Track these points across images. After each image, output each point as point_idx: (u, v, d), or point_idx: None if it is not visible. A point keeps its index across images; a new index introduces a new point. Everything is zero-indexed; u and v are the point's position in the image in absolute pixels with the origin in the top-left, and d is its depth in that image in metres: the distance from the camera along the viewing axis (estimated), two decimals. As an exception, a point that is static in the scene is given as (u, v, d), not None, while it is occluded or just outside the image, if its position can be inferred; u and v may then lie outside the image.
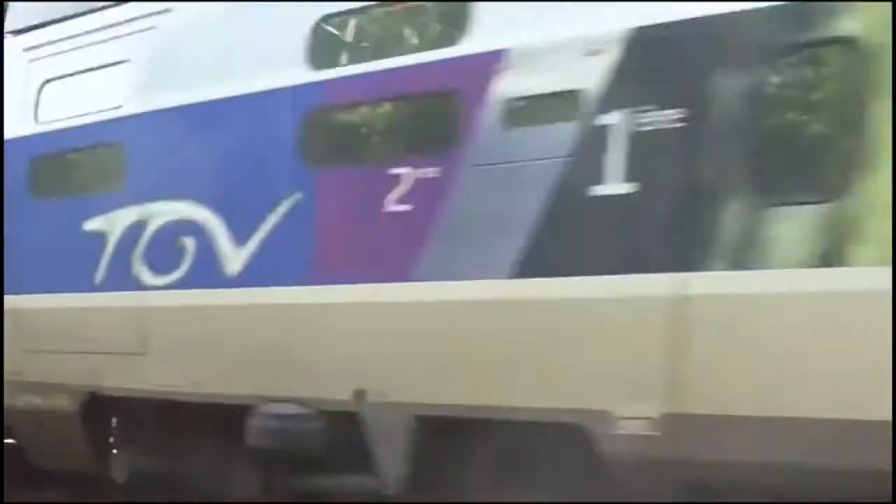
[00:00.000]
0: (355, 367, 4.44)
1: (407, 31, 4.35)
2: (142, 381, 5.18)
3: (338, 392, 4.47)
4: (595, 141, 3.77)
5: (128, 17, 5.32)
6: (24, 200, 5.66)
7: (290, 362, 4.64)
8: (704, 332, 3.61)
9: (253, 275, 4.74)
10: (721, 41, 3.57)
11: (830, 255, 3.36)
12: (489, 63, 4.04)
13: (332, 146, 4.66)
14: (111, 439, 5.54)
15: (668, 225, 3.67)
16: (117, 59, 5.34)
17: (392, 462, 4.35)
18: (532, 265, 3.92)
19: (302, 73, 4.59)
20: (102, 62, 5.44)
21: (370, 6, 4.53)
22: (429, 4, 4.40)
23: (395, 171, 4.24)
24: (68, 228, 5.50)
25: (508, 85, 3.99)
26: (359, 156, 4.57)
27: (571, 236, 3.86)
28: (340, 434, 4.52)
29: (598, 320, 3.80)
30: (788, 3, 3.42)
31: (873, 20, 3.30)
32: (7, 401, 5.75)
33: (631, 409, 3.76)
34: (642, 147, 3.68)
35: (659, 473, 3.77)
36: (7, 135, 5.73)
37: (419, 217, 4.20)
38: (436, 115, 4.30)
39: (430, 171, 4.16)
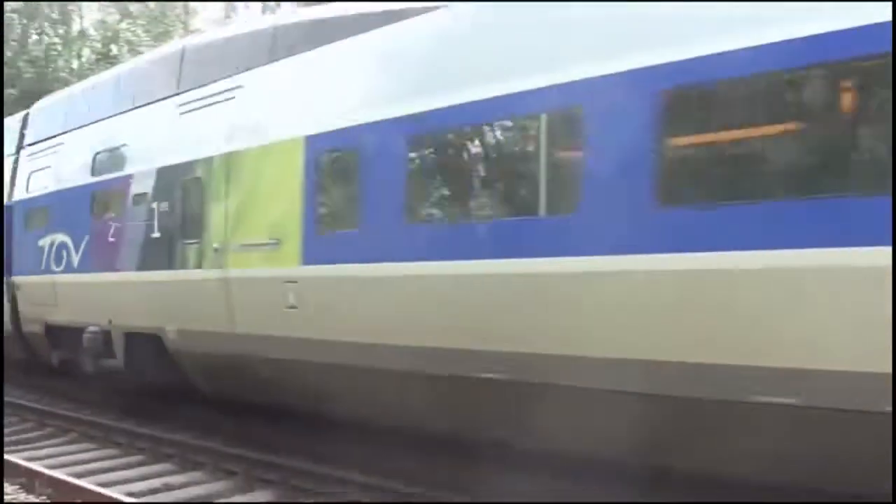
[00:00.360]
0: (110, 310, 9.94)
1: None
2: (58, 317, 11.08)
3: (104, 321, 10.02)
4: (151, 213, 8.99)
5: (49, 146, 11.27)
6: (22, 232, 11.80)
7: (92, 307, 10.25)
8: (191, 296, 8.69)
9: (81, 267, 10.42)
10: (175, 176, 8.66)
11: (198, 264, 8.35)
12: (128, 179, 9.39)
13: (97, 208, 10.18)
14: (54, 344, 11.49)
15: (165, 250, 8.79)
16: (47, 165, 11.30)
17: (119, 351, 9.82)
18: (142, 265, 9.22)
19: (90, 178, 10.22)
20: (46, 165, 11.42)
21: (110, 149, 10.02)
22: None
23: (111, 223, 9.72)
24: (36, 244, 11.53)
25: (133, 188, 9.31)
26: (102, 213, 10.05)
27: (148, 254, 9.11)
28: (107, 339, 10.05)
29: (156, 290, 9.02)
30: (191, 160, 8.43)
31: (206, 169, 8.24)
32: (21, 328, 11.95)
33: (170, 328, 8.95)
34: (161, 217, 8.85)
35: (183, 357, 8.91)
36: (19, 197, 11.96)
37: (117, 244, 9.63)
38: (118, 199, 9.67)
39: (118, 224, 9.59)
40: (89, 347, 10.22)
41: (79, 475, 7.51)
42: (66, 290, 10.78)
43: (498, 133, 5.71)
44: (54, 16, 33.77)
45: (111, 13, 33.83)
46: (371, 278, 6.49)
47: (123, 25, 32.05)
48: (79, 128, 10.77)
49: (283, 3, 32.82)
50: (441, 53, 6.22)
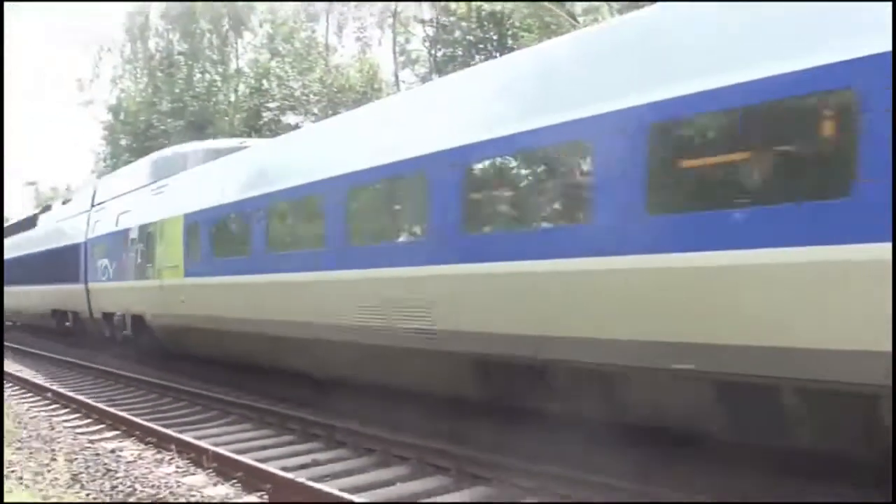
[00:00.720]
0: (125, 302, 17.45)
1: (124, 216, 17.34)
2: (105, 307, 18.76)
3: (123, 309, 17.54)
4: (137, 249, 16.43)
5: (102, 207, 19.08)
6: (91, 257, 19.65)
7: (118, 301, 17.81)
8: (152, 294, 16.05)
9: (113, 278, 18.05)
10: (146, 230, 16.06)
11: (153, 277, 15.67)
12: (127, 232, 16.93)
13: (118, 245, 17.70)
14: (106, 324, 19.15)
15: (143, 269, 16.18)
16: (100, 219, 19.11)
17: (129, 326, 17.29)
18: (135, 277, 16.68)
19: (115, 228, 17.86)
20: (100, 219, 19.24)
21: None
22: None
23: (123, 253, 17.28)
24: (97, 264, 19.31)
25: (130, 235, 16.81)
26: (120, 248, 17.56)
27: (137, 271, 16.53)
28: (125, 320, 17.54)
29: (141, 291, 16.44)
30: (150, 222, 15.81)
31: (155, 227, 15.56)
32: (93, 314, 19.76)
33: (151, 313, 16.31)
34: (141, 251, 16.27)
35: (154, 328, 16.25)
36: (90, 237, 19.89)
37: (126, 265, 17.16)
38: (125, 240, 17.16)
39: (126, 254, 17.13)
40: (117, 325, 17.90)
41: (239, 451, 8.38)
42: (108, 292, 18.48)
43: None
44: (214, 57, 40.11)
45: (262, 53, 39.11)
46: (202, 284, 13.56)
47: (273, 63, 36.03)
48: (115, 197, 18.49)
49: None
50: (215, 183, 13.35)
